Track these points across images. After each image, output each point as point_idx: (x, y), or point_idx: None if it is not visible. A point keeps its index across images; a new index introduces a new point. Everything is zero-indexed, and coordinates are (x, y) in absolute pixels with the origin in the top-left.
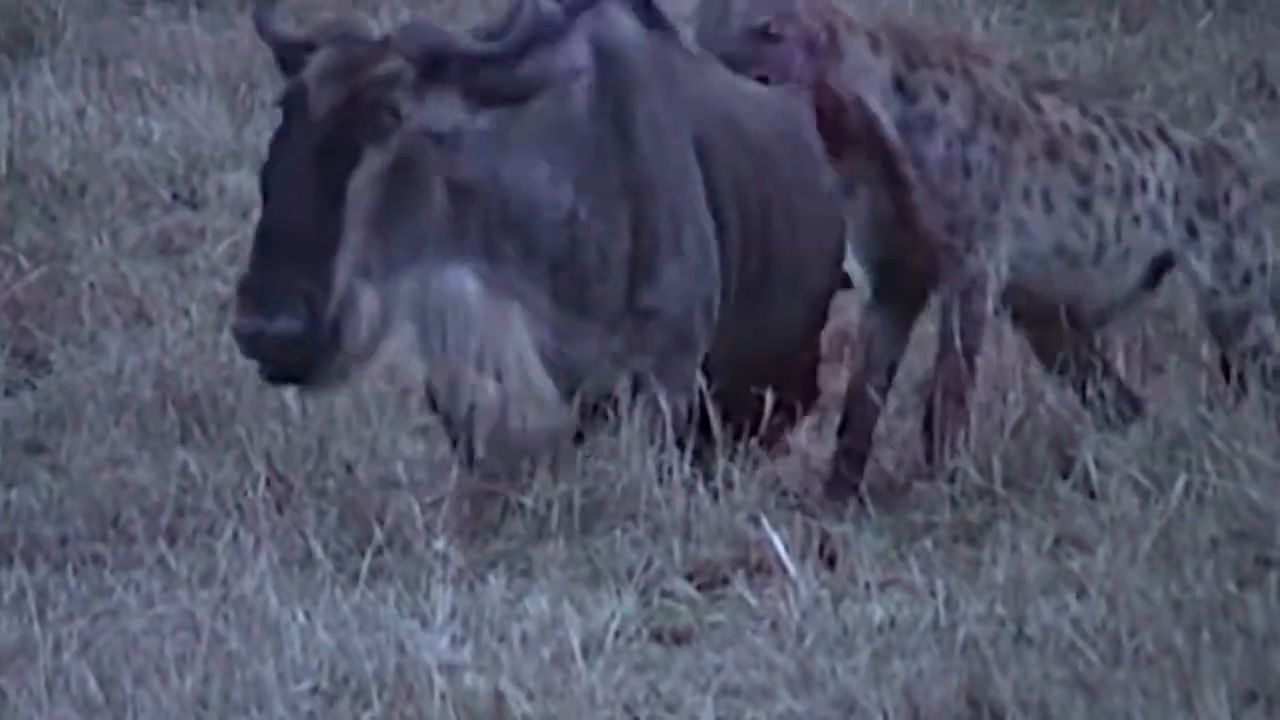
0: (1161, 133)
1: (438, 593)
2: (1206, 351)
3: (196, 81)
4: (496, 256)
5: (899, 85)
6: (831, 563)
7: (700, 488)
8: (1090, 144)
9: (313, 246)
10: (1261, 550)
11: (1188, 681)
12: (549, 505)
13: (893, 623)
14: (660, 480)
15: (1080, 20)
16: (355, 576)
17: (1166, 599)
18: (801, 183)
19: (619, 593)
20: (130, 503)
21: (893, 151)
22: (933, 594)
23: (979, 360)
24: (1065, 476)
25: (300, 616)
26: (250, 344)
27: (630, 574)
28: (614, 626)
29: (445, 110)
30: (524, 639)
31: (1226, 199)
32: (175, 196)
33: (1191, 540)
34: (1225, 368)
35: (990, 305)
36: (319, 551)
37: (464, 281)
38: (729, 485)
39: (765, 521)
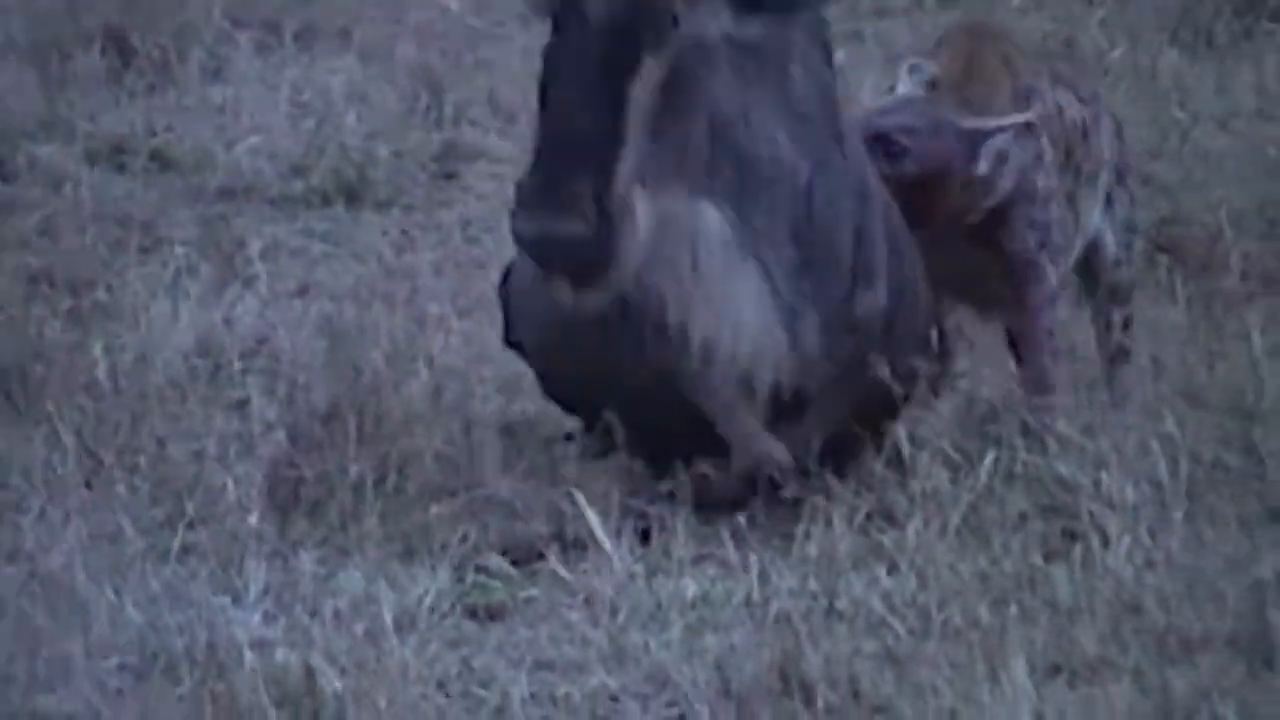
0: (1098, 97)
1: (250, 568)
2: None
3: (6, 51)
4: (744, 209)
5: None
6: (646, 538)
7: (516, 463)
8: (1084, 131)
9: (597, 151)
10: (1068, 525)
11: (994, 654)
12: (363, 480)
13: (706, 598)
14: (476, 456)
15: None
16: (166, 553)
17: (974, 573)
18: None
19: (433, 569)
20: None
21: (1000, 213)
22: (745, 569)
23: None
24: (878, 451)
25: (109, 593)
26: (536, 245)
27: (445, 550)
28: (428, 602)
29: (714, 18)
30: (337, 615)
31: (1130, 166)
32: None
33: (1000, 515)
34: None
35: (1060, 316)
36: (129, 528)
37: (716, 223)
38: (547, 461)
39: (581, 498)
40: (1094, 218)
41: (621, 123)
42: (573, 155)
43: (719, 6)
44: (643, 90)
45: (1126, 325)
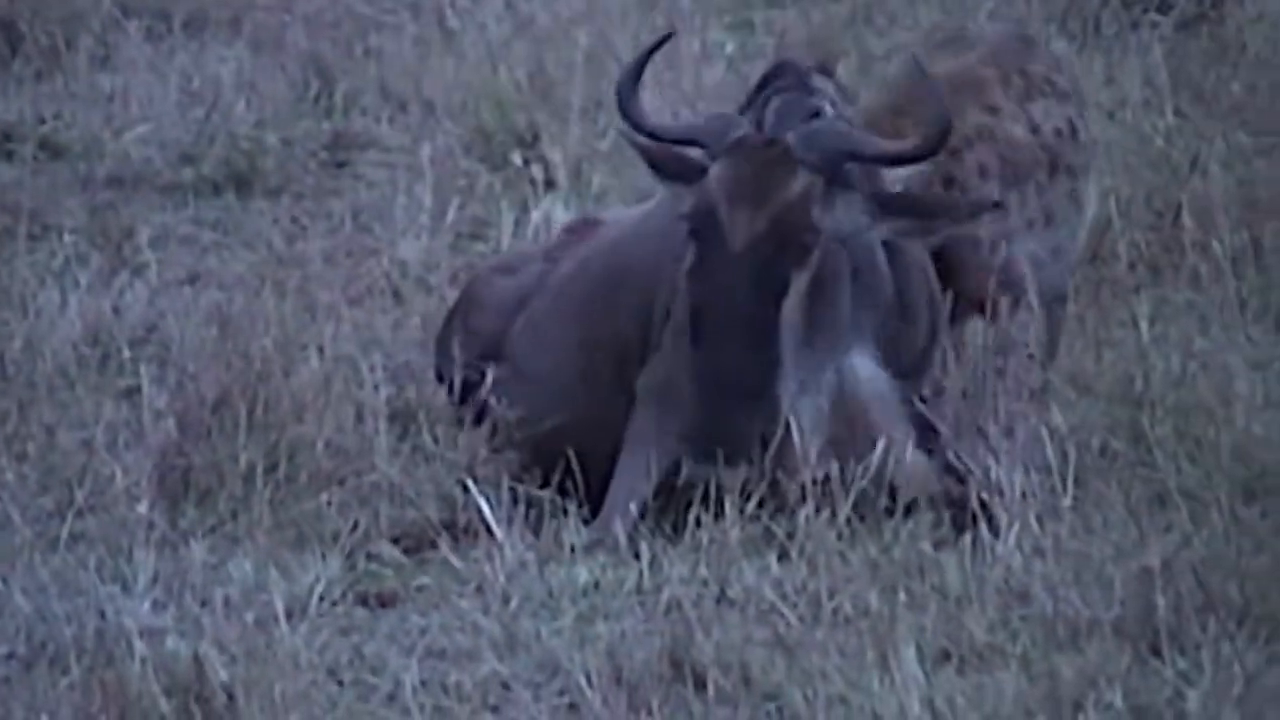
0: (1072, 83)
1: (139, 557)
2: None
3: None
4: (878, 335)
5: (947, 181)
6: (538, 525)
7: (407, 451)
8: (1073, 134)
9: (759, 385)
10: (958, 513)
11: (884, 641)
12: (253, 468)
13: (597, 585)
14: (367, 444)
15: None
16: (55, 541)
17: (864, 561)
18: None
19: (324, 556)
20: None
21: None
22: (637, 556)
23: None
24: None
25: None
26: (708, 480)
27: (336, 538)
28: (319, 590)
29: (851, 216)
30: (227, 603)
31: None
32: None
33: (889, 502)
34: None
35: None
36: (17, 516)
37: (868, 367)
38: (439, 448)
39: (473, 485)
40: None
41: (778, 346)
42: (737, 395)
43: (855, 203)
44: (795, 305)
45: (1056, 327)
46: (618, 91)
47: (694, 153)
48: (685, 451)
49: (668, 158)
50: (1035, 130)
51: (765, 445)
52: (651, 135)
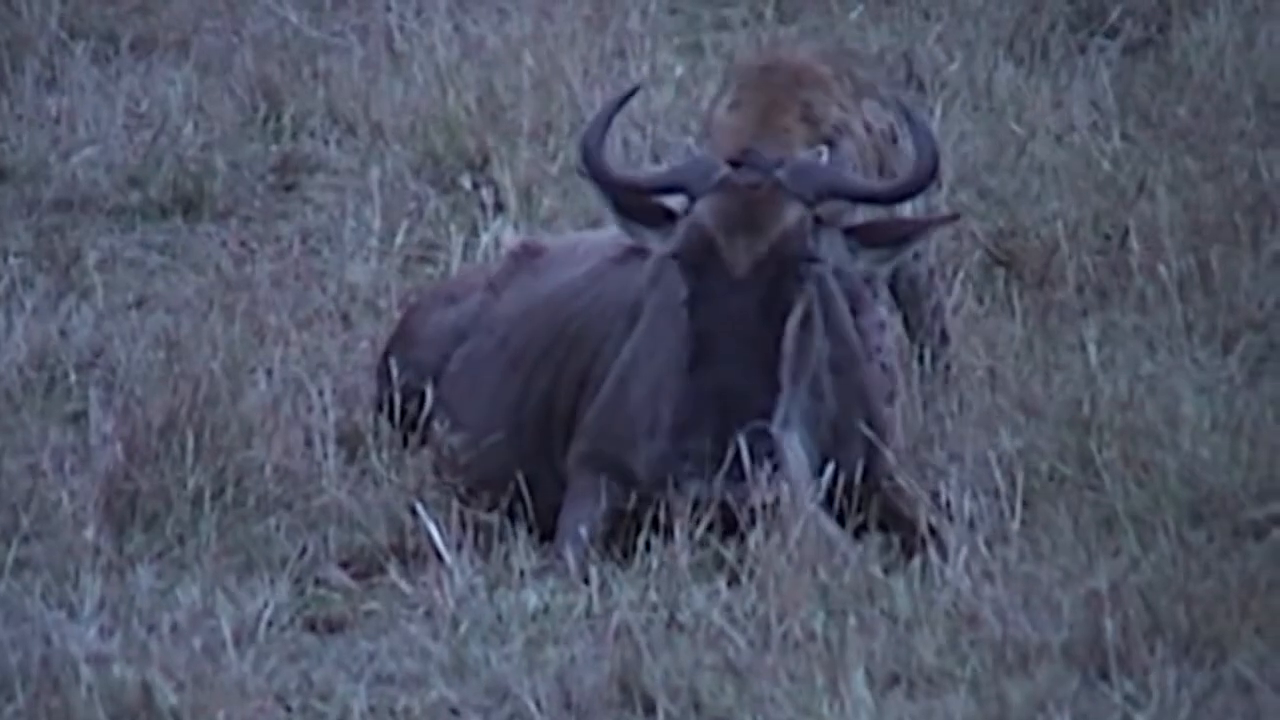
0: (896, 95)
1: (86, 583)
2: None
3: None
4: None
5: None
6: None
7: (355, 475)
8: (892, 137)
9: (766, 407)
10: (907, 537)
11: (833, 665)
12: (201, 493)
13: (546, 610)
14: (315, 468)
15: (735, 9)
16: (0, 567)
17: (814, 585)
18: None
19: (272, 581)
20: None
21: None
22: (586, 581)
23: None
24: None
25: None
26: (702, 499)
27: (284, 562)
28: (267, 615)
29: (836, 250)
30: (174, 629)
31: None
32: None
33: (839, 527)
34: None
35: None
36: None
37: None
38: (388, 472)
39: (421, 509)
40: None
41: (780, 370)
42: (744, 417)
43: (837, 239)
44: (792, 333)
45: (936, 313)
46: (584, 146)
47: (672, 199)
48: (688, 473)
49: (637, 206)
50: (869, 129)
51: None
52: (616, 185)
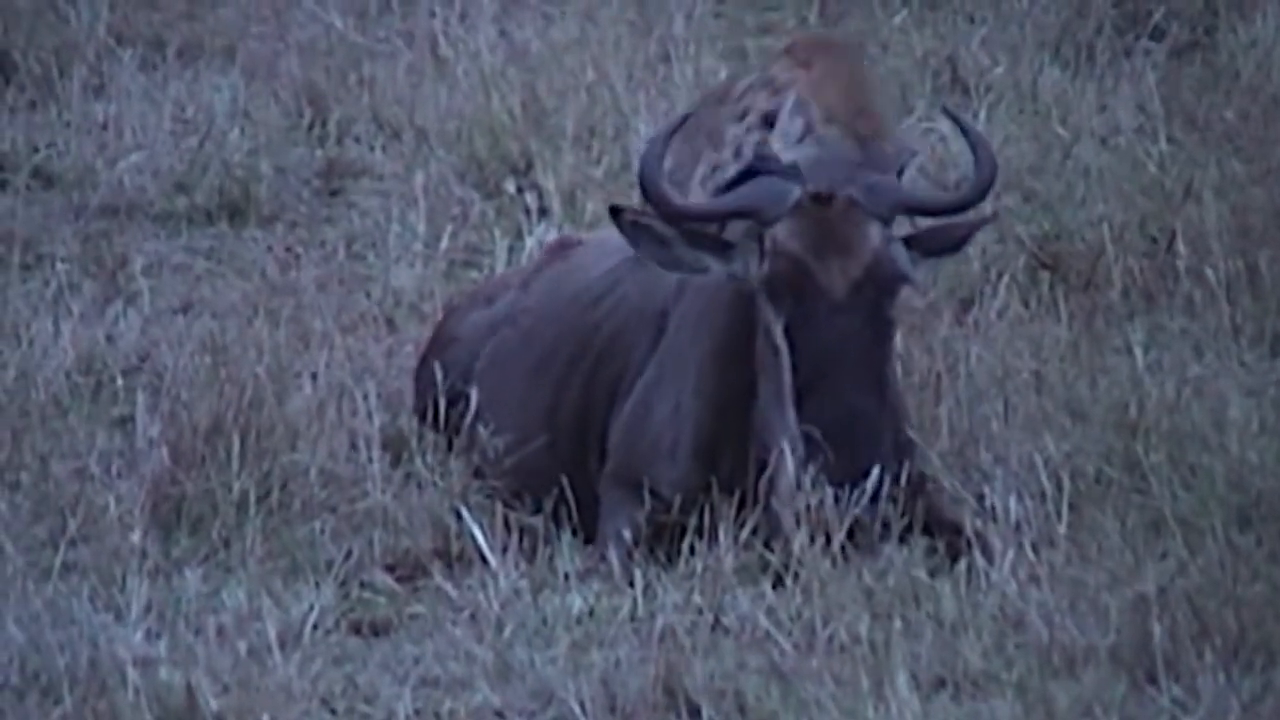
0: None
1: (133, 586)
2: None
3: None
4: None
5: None
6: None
7: (400, 479)
8: None
9: (881, 431)
10: (953, 540)
11: (878, 669)
12: (246, 497)
13: (591, 613)
14: (360, 472)
15: (780, 14)
16: (48, 571)
17: (859, 588)
18: None
19: (317, 585)
20: None
21: None
22: (631, 584)
23: None
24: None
25: None
26: (830, 517)
27: (329, 566)
28: (312, 619)
29: (908, 263)
30: (220, 632)
31: None
32: None
33: (884, 530)
34: None
35: None
36: (10, 546)
37: None
38: (433, 476)
39: (466, 513)
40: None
41: (889, 394)
42: (875, 439)
43: (905, 252)
44: (893, 348)
45: None
46: (644, 178)
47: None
48: (817, 480)
49: (699, 232)
50: None
51: (897, 480)
52: (681, 215)
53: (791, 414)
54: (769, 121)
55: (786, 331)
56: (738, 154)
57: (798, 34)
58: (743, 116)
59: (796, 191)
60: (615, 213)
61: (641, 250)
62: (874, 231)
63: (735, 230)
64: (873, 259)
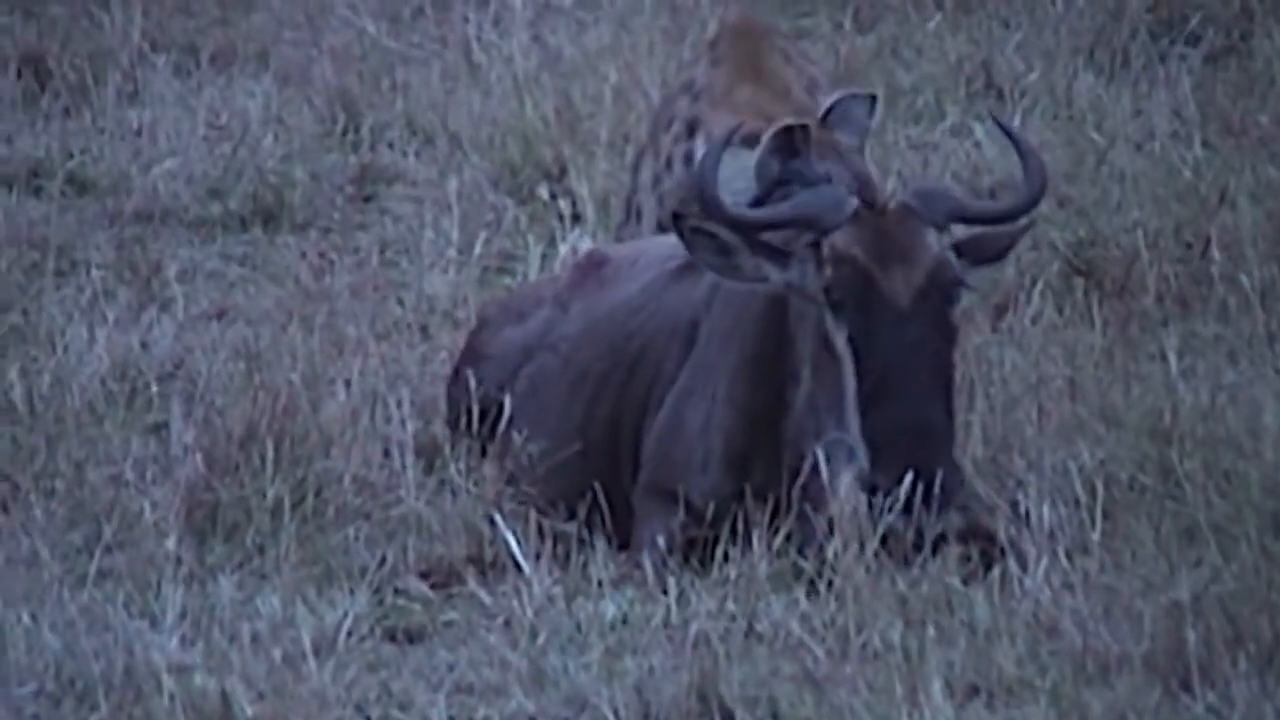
0: None
1: (168, 592)
2: None
3: None
4: None
5: None
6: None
7: (434, 486)
8: None
9: (949, 439)
10: (986, 547)
11: (912, 676)
12: (281, 503)
13: (625, 620)
14: (394, 479)
15: (813, 20)
16: (83, 577)
17: (893, 595)
18: None
19: (352, 591)
20: None
21: None
22: (665, 591)
23: None
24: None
25: (25, 618)
26: (899, 530)
27: (363, 573)
28: (346, 626)
29: (960, 270)
30: (255, 639)
31: None
32: None
33: (917, 537)
34: None
35: None
36: (45, 552)
37: None
38: (466, 483)
39: (500, 519)
40: None
41: (953, 401)
42: (945, 448)
43: (957, 260)
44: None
45: None
46: (701, 191)
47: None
48: (883, 482)
49: (760, 240)
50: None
51: (962, 485)
52: (738, 223)
53: (856, 422)
54: (691, 130)
55: (850, 340)
56: (668, 164)
57: (721, 22)
58: (669, 125)
59: (854, 200)
60: (677, 219)
61: (700, 257)
62: (931, 239)
63: (781, 239)
64: (935, 265)
